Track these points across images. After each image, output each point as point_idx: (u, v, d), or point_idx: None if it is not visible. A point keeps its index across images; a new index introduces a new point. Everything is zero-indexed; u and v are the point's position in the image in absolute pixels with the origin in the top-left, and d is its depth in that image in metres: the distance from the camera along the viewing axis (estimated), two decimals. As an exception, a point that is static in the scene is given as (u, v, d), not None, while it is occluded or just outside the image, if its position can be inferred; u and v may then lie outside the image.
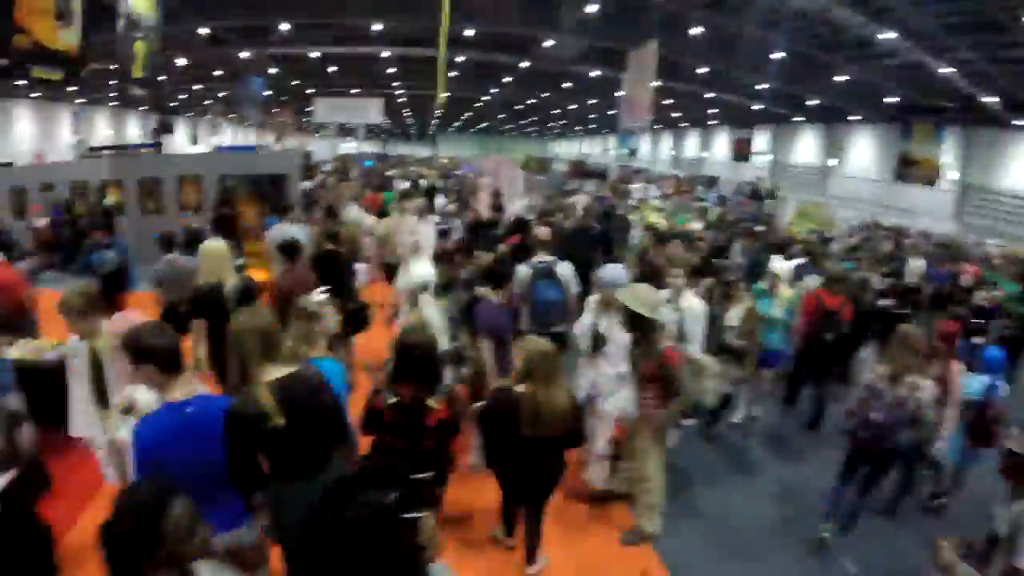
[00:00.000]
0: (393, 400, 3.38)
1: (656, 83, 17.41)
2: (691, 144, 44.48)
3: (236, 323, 3.02)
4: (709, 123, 39.29)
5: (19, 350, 6.29)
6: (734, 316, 6.14)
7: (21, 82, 23.21)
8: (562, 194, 18.87)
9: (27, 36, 8.13)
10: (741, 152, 35.79)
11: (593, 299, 5.19)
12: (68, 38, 9.21)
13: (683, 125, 43.47)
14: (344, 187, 14.90)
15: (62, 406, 6.07)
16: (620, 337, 4.69)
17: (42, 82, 9.90)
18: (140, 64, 13.25)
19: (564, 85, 31.08)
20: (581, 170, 34.77)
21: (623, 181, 27.85)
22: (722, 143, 39.62)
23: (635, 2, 16.97)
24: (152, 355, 2.67)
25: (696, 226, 12.44)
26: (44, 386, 5.86)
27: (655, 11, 17.20)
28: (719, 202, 25.33)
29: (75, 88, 29.58)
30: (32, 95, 32.15)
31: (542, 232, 7.21)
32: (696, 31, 18.58)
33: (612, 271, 5.13)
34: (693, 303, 5.39)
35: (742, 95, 26.14)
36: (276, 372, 2.90)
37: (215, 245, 5.54)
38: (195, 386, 2.83)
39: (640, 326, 4.27)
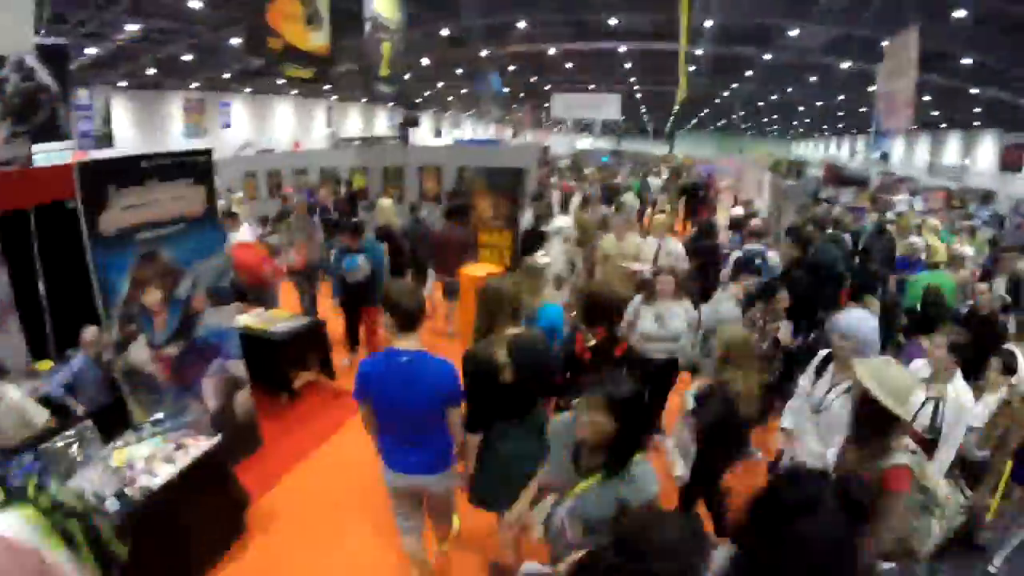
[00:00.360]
0: (592, 342, 4.20)
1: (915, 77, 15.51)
2: (951, 149, 38.06)
3: (490, 286, 3.78)
4: (973, 124, 33.69)
5: (251, 319, 6.98)
6: (981, 410, 4.08)
7: (281, 81, 25.96)
8: (815, 202, 17.50)
9: (280, 39, 9.04)
10: (1012, 161, 29.80)
11: (822, 353, 3.98)
12: (317, 40, 10.13)
13: (942, 127, 37.61)
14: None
15: (285, 375, 6.73)
16: (841, 410, 3.49)
17: (298, 80, 10.88)
18: (386, 64, 14.22)
19: (810, 79, 28.39)
20: (838, 176, 31.20)
21: (884, 191, 25.05)
22: (987, 150, 33.44)
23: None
24: (396, 310, 3.23)
25: (967, 250, 10.05)
26: (269, 355, 6.47)
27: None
28: (994, 222, 21.77)
29: (329, 86, 32.82)
30: (292, 92, 36.34)
31: (755, 224, 8.63)
32: (960, 14, 15.94)
33: (858, 319, 3.75)
34: (961, 393, 3.78)
35: (1014, 91, 22.55)
36: (513, 329, 3.60)
37: (385, 201, 8.97)
38: (419, 344, 3.31)
39: (875, 420, 2.81)
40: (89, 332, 4.86)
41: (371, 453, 3.47)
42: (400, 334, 3.27)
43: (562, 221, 8.06)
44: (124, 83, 26.92)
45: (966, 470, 3.97)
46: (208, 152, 5.14)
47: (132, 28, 18.01)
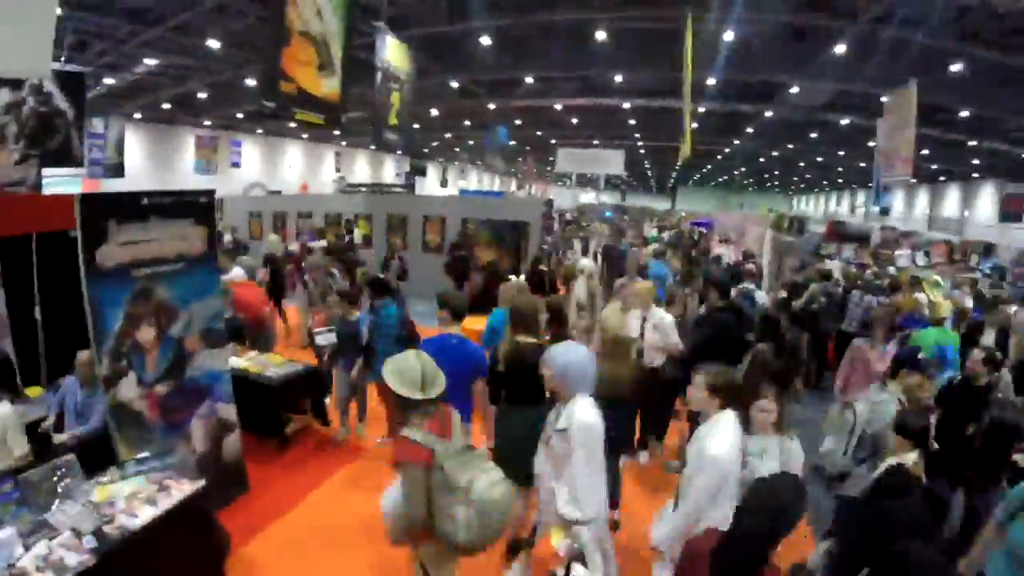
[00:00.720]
0: None
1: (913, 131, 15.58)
2: (951, 201, 38.76)
3: (516, 304, 4.91)
4: (972, 176, 34.15)
5: (246, 361, 6.92)
6: None
7: (292, 124, 26.42)
8: (818, 258, 17.56)
9: (293, 83, 9.16)
10: (1012, 210, 29.79)
11: None
12: (329, 87, 10.25)
13: (941, 179, 38.36)
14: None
15: (278, 420, 6.64)
16: (558, 445, 3.64)
17: (307, 124, 11.01)
18: (395, 113, 14.37)
19: (811, 135, 28.58)
20: (840, 232, 31.24)
21: (885, 246, 25.03)
22: (986, 200, 33.97)
23: (888, 40, 14.66)
24: (448, 306, 4.61)
25: (969, 303, 10.25)
26: (263, 399, 6.39)
27: (911, 48, 14.79)
28: (996, 273, 21.62)
29: (338, 132, 33.21)
30: (302, 136, 37.51)
31: (750, 267, 11.09)
32: (957, 67, 15.80)
33: (560, 351, 3.72)
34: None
35: (1012, 142, 22.27)
36: (522, 339, 4.60)
37: (272, 236, 12.54)
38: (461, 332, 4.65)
39: (396, 402, 3.20)
40: (84, 355, 4.84)
41: (360, 508, 3.48)
42: (452, 323, 4.63)
43: (585, 262, 9.95)
44: (139, 115, 27.49)
45: None
46: (211, 193, 5.15)
47: (150, 62, 18.34)
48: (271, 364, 6.94)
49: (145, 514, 3.77)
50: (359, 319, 6.79)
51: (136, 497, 3.90)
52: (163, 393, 4.69)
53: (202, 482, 4.18)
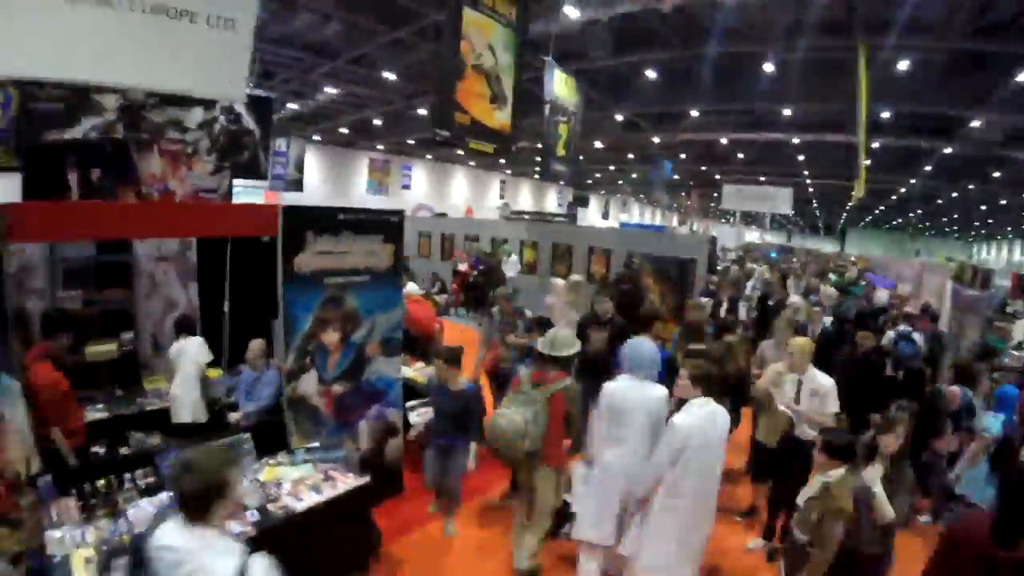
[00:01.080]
0: None
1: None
2: None
3: (692, 317, 7.37)
4: None
5: (413, 371, 7.36)
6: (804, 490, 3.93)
7: (460, 152, 27.71)
8: (1004, 316, 15.82)
9: (467, 115, 9.68)
10: None
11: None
12: (500, 118, 10.71)
13: None
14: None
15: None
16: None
17: (476, 153, 11.51)
18: (562, 145, 14.75)
19: (993, 174, 25.74)
20: None
21: None
22: None
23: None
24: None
25: None
26: (425, 409, 6.75)
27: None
28: None
29: (504, 161, 34.86)
30: (469, 163, 39.30)
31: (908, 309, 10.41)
32: None
33: (635, 343, 4.66)
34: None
35: None
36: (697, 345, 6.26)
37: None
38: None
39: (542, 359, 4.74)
40: (256, 344, 5.58)
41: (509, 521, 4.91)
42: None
43: (795, 298, 10.60)
44: (318, 137, 29.96)
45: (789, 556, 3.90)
46: (400, 213, 5.62)
47: (330, 91, 19.97)
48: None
49: (310, 499, 4.16)
50: (469, 390, 5.34)
51: (303, 482, 4.33)
52: (340, 392, 5.15)
53: (366, 478, 4.54)
